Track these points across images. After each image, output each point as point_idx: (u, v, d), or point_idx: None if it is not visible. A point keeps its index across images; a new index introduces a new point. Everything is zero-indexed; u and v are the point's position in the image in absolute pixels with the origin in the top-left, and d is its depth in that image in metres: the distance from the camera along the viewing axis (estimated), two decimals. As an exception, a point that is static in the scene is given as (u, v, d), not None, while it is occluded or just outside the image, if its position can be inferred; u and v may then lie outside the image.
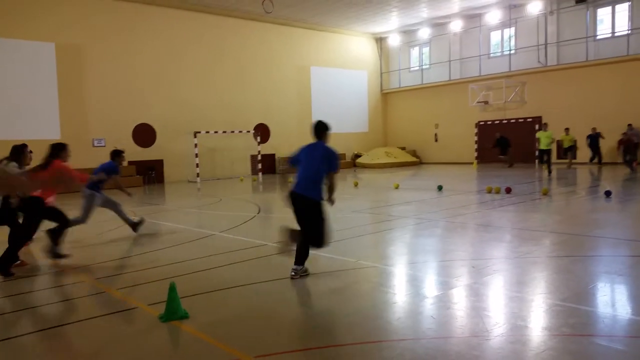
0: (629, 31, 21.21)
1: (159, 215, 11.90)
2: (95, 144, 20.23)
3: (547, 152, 17.31)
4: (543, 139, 17.59)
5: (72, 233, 9.70)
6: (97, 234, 9.36)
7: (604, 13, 22.44)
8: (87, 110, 20.09)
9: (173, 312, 4.41)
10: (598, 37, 22.49)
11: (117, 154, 8.77)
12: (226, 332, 4.13)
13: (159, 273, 6.13)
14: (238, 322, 4.36)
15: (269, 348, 3.77)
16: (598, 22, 22.61)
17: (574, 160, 20.55)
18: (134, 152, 21.24)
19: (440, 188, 14.40)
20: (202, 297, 5.11)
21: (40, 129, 18.93)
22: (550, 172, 17.02)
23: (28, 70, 18.67)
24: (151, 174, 21.72)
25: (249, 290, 5.31)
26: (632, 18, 21.18)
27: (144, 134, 21.57)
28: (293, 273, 5.56)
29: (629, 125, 19.71)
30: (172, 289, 4.44)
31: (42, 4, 18.90)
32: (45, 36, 19.02)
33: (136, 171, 21.04)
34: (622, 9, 21.66)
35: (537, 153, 21.23)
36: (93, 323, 4.52)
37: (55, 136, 19.25)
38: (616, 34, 21.93)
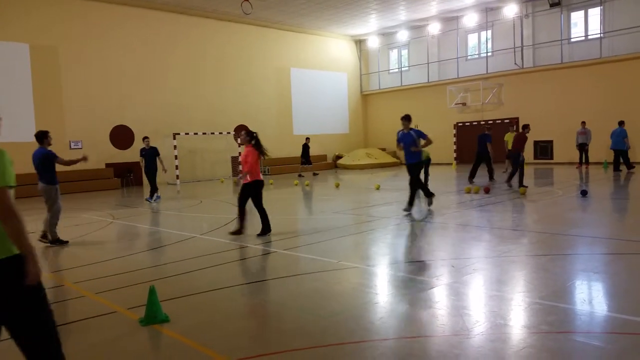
0: (602, 34, 21.72)
1: (137, 217, 11.75)
2: (72, 146, 19.88)
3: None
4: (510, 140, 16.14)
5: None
6: (73, 237, 9.19)
7: (577, 17, 22.92)
8: (64, 111, 19.73)
9: (153, 315, 4.36)
10: (572, 40, 22.97)
11: None
12: (207, 335, 4.10)
13: (139, 276, 6.05)
14: (219, 325, 4.33)
15: (250, 350, 3.75)
16: (572, 26, 23.10)
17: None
18: (111, 154, 20.94)
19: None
20: (182, 300, 5.06)
21: (14, 131, 18.50)
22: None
23: (1, 71, 18.24)
24: (129, 177, 21.43)
25: (230, 292, 5.27)
26: (604, 22, 21.69)
27: (122, 136, 21.21)
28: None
29: (582, 122, 19.91)
30: (152, 292, 4.39)
31: (15, 4, 18.50)
32: (19, 37, 18.61)
33: (114, 173, 20.75)
34: (595, 13, 22.17)
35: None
36: (71, 327, 4.44)
37: (31, 138, 18.80)
38: (589, 37, 22.43)
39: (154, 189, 14.73)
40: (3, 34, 18.27)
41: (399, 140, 10.14)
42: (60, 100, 19.68)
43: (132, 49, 21.43)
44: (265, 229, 8.39)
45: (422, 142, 10.09)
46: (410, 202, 10.09)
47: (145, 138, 15.02)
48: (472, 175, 15.92)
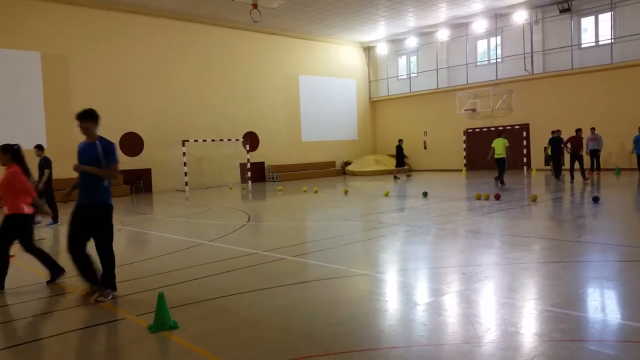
0: (612, 40, 21.57)
1: (147, 224, 11.79)
2: (83, 154, 20.03)
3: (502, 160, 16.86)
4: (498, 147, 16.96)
5: (56, 243, 9.58)
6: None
7: (587, 22, 22.80)
8: (73, 119, 19.75)
9: (162, 322, 4.35)
10: (582, 46, 22.83)
11: None
12: (216, 342, 4.08)
13: (148, 283, 6.06)
14: (228, 332, 4.32)
15: (259, 357, 3.74)
16: (582, 31, 22.96)
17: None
18: (121, 161, 21.02)
19: (425, 194, 14.49)
20: (191, 307, 5.05)
21: (26, 138, 18.63)
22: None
23: (13, 79, 18.47)
24: (139, 183, 21.56)
25: (239, 299, 5.26)
26: (614, 27, 21.54)
27: (132, 143, 21.43)
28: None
29: (592, 129, 19.64)
30: (161, 299, 4.39)
31: (27, 13, 18.77)
32: (31, 45, 18.86)
33: (124, 180, 20.88)
34: (605, 19, 22.03)
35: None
36: (81, 334, 4.45)
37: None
38: (600, 43, 22.28)
39: (52, 210, 11.51)
40: (15, 42, 18.52)
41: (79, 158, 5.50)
42: (70, 107, 19.82)
43: (141, 56, 21.62)
44: (54, 271, 6.16)
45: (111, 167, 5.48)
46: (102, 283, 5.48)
47: (35, 147, 11.81)
48: (557, 175, 18.47)
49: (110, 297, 5.38)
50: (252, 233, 10.01)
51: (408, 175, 23.59)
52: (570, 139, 17.31)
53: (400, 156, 23.18)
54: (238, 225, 10.61)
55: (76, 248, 5.35)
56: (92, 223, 5.34)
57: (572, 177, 17.20)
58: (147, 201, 18.07)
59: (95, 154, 5.34)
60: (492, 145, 17.09)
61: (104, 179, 5.39)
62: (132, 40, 21.35)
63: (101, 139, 5.46)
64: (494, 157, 16.94)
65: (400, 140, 23.59)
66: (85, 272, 5.38)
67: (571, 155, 17.24)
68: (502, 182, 16.78)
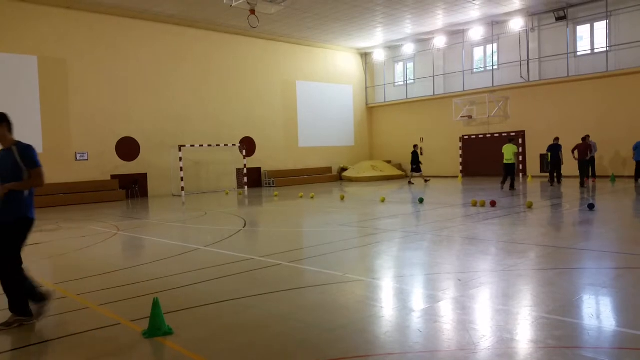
0: (607, 48, 21.71)
1: (142, 229, 11.76)
2: (78, 158, 20.00)
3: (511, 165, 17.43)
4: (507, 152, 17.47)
5: (52, 248, 9.53)
6: (77, 249, 9.20)
7: (583, 30, 22.95)
8: (70, 123, 19.88)
9: (157, 328, 4.33)
10: (578, 54, 22.97)
11: None
12: (211, 348, 4.07)
13: (143, 288, 6.03)
14: (223, 338, 4.30)
15: (255, 364, 3.72)
16: (578, 39, 23.11)
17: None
18: (117, 166, 21.04)
19: (421, 200, 14.52)
20: (186, 312, 5.04)
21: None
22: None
23: (10, 83, 18.44)
24: (135, 188, 21.50)
25: (234, 305, 5.24)
26: (609, 35, 21.70)
27: (128, 148, 21.39)
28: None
29: (587, 136, 19.55)
30: (156, 304, 4.37)
31: (25, 17, 18.76)
32: (28, 49, 18.85)
33: (119, 185, 20.82)
34: (601, 27, 22.18)
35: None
36: (75, 340, 4.42)
37: (37, 149, 18.92)
38: (595, 51, 22.43)
39: None
40: (13, 46, 18.51)
41: None
42: (67, 111, 19.84)
43: (138, 61, 21.63)
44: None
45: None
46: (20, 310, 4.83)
47: None
48: (552, 180, 19.07)
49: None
50: (248, 238, 9.99)
51: (410, 182, 23.16)
52: (577, 146, 18.10)
53: (415, 161, 23.02)
54: (234, 231, 10.60)
55: (6, 270, 4.68)
56: (6, 238, 4.65)
57: (582, 183, 17.93)
58: (143, 206, 18.01)
59: (14, 161, 4.73)
60: (502, 151, 17.54)
61: (16, 191, 4.67)
62: (130, 45, 21.36)
63: (18, 143, 4.85)
64: (503, 163, 17.48)
65: (415, 146, 23.62)
66: (13, 298, 4.74)
67: (579, 162, 18.08)
68: (503, 187, 17.43)
